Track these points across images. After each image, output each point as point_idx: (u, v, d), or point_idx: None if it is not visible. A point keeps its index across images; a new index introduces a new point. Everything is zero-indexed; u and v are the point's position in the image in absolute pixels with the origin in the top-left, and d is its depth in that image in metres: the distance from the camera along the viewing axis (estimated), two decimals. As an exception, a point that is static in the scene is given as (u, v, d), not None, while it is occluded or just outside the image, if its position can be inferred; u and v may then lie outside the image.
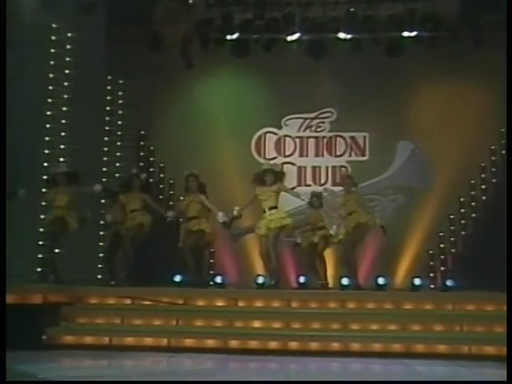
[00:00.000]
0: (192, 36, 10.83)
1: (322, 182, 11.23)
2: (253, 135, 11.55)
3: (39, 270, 8.75)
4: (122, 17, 10.56)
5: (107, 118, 11.08)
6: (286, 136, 11.59)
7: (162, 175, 11.38)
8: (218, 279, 8.28)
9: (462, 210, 10.87)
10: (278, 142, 11.58)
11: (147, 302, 7.66)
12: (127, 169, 10.06)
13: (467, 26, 10.06)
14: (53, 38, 10.04)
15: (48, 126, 9.86)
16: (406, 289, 8.81)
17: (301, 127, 11.59)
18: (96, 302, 7.75)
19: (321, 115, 11.53)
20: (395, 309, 7.52)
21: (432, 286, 10.10)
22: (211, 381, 5.60)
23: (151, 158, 11.46)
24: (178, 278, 8.29)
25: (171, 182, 11.23)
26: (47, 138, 9.81)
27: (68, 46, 10.15)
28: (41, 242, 9.26)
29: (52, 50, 10.01)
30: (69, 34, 10.15)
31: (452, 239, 10.81)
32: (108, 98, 11.11)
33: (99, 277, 9.94)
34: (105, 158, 10.84)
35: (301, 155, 11.53)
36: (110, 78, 11.10)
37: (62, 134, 10.00)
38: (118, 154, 11.05)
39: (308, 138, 11.57)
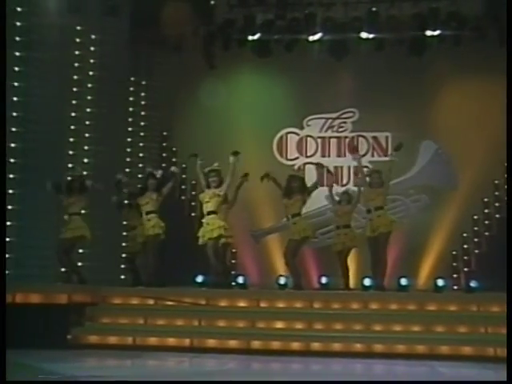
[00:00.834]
0: (214, 37, 10.89)
1: (344, 182, 11.18)
2: (274, 135, 11.55)
3: (63, 270, 8.80)
4: (145, 18, 10.63)
5: (130, 119, 11.15)
6: (308, 136, 11.57)
7: (184, 176, 11.43)
8: (240, 280, 8.29)
9: (486, 211, 10.76)
10: (299, 143, 11.57)
11: (170, 303, 7.69)
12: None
13: (491, 25, 9.96)
14: (77, 40, 10.13)
15: (72, 127, 9.95)
16: (429, 290, 8.74)
17: (323, 127, 11.56)
18: (120, 302, 7.82)
19: (343, 115, 11.49)
20: (419, 310, 7.47)
21: (455, 287, 10.01)
22: (227, 381, 5.60)
23: (174, 159, 11.51)
24: (199, 279, 8.32)
25: (193, 182, 11.28)
26: (71, 140, 9.90)
27: (92, 48, 10.24)
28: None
29: (76, 52, 10.09)
30: (93, 36, 10.24)
31: (476, 240, 10.71)
32: (131, 99, 11.18)
33: (122, 277, 10.01)
34: (128, 159, 10.90)
35: (323, 155, 11.50)
36: (133, 79, 11.17)
37: (86, 135, 10.09)
38: (140, 154, 11.12)
39: (330, 138, 11.53)
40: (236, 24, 10.87)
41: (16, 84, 9.19)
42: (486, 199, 10.75)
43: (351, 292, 8.54)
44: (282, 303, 7.63)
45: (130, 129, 11.14)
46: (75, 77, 10.05)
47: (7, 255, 8.82)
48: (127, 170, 10.74)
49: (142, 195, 8.70)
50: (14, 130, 9.16)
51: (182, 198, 11.31)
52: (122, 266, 9.93)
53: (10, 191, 9.06)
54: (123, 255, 9.91)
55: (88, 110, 10.15)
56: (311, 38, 10.80)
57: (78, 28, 10.13)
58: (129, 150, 11.03)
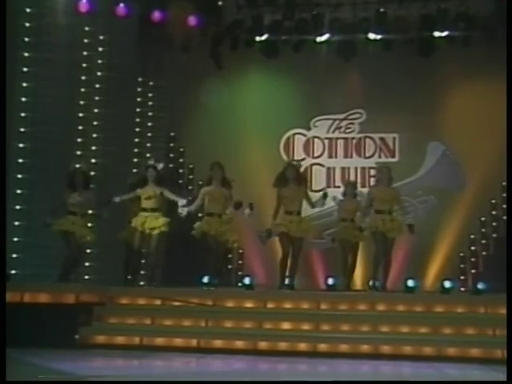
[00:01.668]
0: (222, 37, 10.91)
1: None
2: (282, 136, 11.54)
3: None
4: (153, 19, 10.67)
5: (138, 120, 11.18)
6: (315, 137, 11.57)
7: (191, 176, 11.45)
8: (247, 280, 8.28)
9: (494, 212, 10.72)
10: (306, 144, 11.56)
11: (177, 303, 7.70)
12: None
13: (501, 25, 9.92)
14: (85, 40, 10.17)
15: (80, 127, 9.99)
16: (436, 291, 8.72)
17: (330, 128, 11.55)
18: (127, 302, 7.83)
19: (350, 116, 11.48)
20: (426, 311, 7.45)
21: (463, 289, 9.98)
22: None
23: (181, 160, 11.53)
24: (206, 279, 8.32)
25: (200, 183, 11.27)
26: (79, 140, 9.94)
27: (100, 49, 10.28)
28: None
29: (84, 53, 10.14)
30: (101, 37, 10.28)
31: (483, 242, 10.67)
32: (139, 99, 11.20)
33: (129, 277, 10.01)
34: (135, 160, 10.94)
35: (330, 156, 11.49)
36: (140, 79, 11.20)
37: (94, 135, 10.13)
38: (148, 155, 11.13)
39: (337, 139, 11.52)
40: (244, 25, 10.89)
41: (24, 84, 9.26)
42: (493, 201, 10.71)
43: (358, 293, 8.52)
44: (289, 304, 7.63)
45: (137, 129, 11.17)
46: (83, 77, 10.10)
47: (15, 255, 8.90)
48: (134, 170, 10.78)
49: (142, 187, 8.45)
50: (22, 130, 9.22)
51: (189, 199, 11.31)
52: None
53: (19, 191, 9.12)
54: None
55: (96, 110, 10.19)
56: (319, 39, 10.80)
57: (87, 29, 10.18)
58: (136, 150, 11.06)
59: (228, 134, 10.99)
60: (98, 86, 10.24)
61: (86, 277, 9.35)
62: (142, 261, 9.16)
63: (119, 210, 9.15)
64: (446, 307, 7.46)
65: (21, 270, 8.87)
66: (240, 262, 10.77)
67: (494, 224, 10.69)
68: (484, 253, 10.63)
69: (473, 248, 10.64)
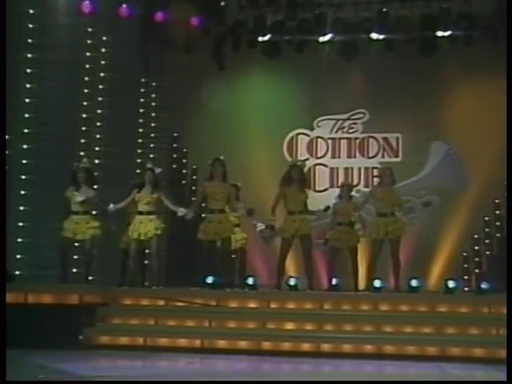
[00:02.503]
0: (224, 38, 10.92)
1: (355, 183, 11.15)
2: (285, 136, 11.56)
3: (75, 271, 8.85)
4: (156, 20, 10.69)
5: (141, 121, 11.19)
6: (318, 137, 11.57)
7: (194, 177, 11.46)
8: (250, 281, 8.29)
9: (497, 212, 10.71)
10: (310, 144, 11.57)
11: (180, 304, 7.71)
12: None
13: (503, 25, 9.91)
14: (88, 41, 10.19)
15: (83, 128, 10.01)
16: (439, 291, 8.71)
17: (333, 128, 11.56)
18: (130, 303, 7.83)
19: (353, 116, 11.48)
20: (429, 311, 7.44)
21: (466, 289, 9.96)
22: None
23: (184, 160, 11.55)
24: (209, 280, 8.31)
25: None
26: (82, 141, 9.96)
27: (103, 50, 10.29)
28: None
29: (87, 54, 10.16)
30: (104, 38, 10.29)
31: (487, 241, 10.67)
32: (142, 100, 11.22)
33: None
34: (138, 160, 10.94)
35: (333, 156, 11.51)
36: (143, 80, 11.21)
37: (97, 136, 10.14)
38: (151, 155, 11.15)
39: (340, 139, 11.53)
40: (246, 25, 10.90)
41: (28, 85, 9.28)
42: (497, 200, 10.70)
43: (361, 293, 8.52)
44: (293, 304, 7.62)
45: (140, 130, 11.17)
46: (86, 78, 10.12)
47: (19, 256, 8.91)
48: (138, 171, 10.79)
49: (139, 190, 8.38)
50: (25, 131, 9.23)
51: (192, 199, 11.32)
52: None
53: (22, 192, 9.13)
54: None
55: (99, 111, 10.20)
56: (321, 39, 10.81)
57: (89, 29, 10.20)
58: (139, 151, 11.07)
59: (231, 135, 11.00)
60: (101, 86, 10.26)
61: (90, 277, 9.34)
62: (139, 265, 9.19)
63: (123, 211, 9.18)
64: (449, 307, 7.45)
65: (24, 271, 8.88)
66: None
67: (497, 223, 10.68)
68: (487, 252, 10.62)
69: (476, 248, 10.63)
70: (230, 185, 8.48)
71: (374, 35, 10.61)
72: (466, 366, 6.52)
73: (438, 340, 7.04)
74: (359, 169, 11.32)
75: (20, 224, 9.05)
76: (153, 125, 11.35)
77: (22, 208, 9.07)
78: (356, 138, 11.43)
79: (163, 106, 11.34)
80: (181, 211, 8.15)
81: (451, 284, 7.99)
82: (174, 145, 11.59)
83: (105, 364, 6.68)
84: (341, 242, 8.97)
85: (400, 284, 8.18)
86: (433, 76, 10.71)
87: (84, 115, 10.05)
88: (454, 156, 11.10)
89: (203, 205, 8.65)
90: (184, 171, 11.47)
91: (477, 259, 10.58)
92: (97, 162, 9.89)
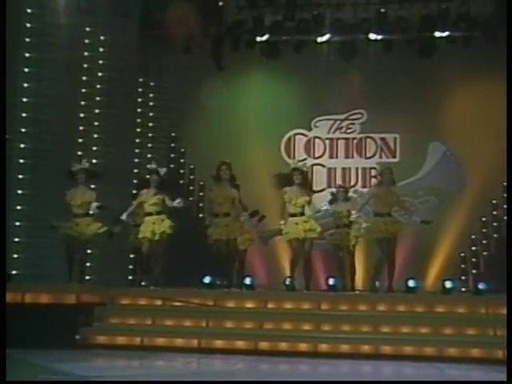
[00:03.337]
0: (223, 38, 10.92)
1: (352, 183, 11.16)
2: (283, 137, 11.56)
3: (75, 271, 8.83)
4: (154, 19, 10.68)
5: (139, 120, 11.21)
6: (316, 137, 11.58)
7: (192, 177, 11.46)
8: (248, 281, 8.28)
9: (495, 213, 10.73)
10: (307, 144, 11.58)
11: (178, 303, 7.71)
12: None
13: (501, 26, 9.92)
14: (86, 41, 10.19)
15: (81, 128, 10.00)
16: (437, 291, 8.72)
17: (331, 129, 11.57)
18: (128, 302, 7.83)
19: (351, 116, 11.49)
20: (427, 312, 7.45)
21: (464, 289, 9.98)
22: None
23: (182, 160, 11.54)
24: (207, 280, 8.31)
25: (201, 183, 11.31)
26: (80, 140, 9.95)
27: (101, 49, 10.30)
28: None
29: (85, 53, 10.16)
30: (102, 37, 10.29)
31: (484, 242, 10.68)
32: (140, 100, 11.23)
33: (130, 278, 10.03)
34: (136, 160, 10.95)
35: (330, 157, 11.51)
36: (141, 80, 11.22)
37: (95, 135, 10.14)
38: (149, 155, 11.15)
39: (338, 139, 11.54)
40: (245, 25, 10.90)
41: (25, 85, 9.27)
42: (494, 201, 10.72)
43: (359, 293, 8.52)
44: (290, 304, 7.63)
45: (138, 130, 11.19)
46: (84, 78, 10.12)
47: (16, 255, 8.90)
48: (135, 170, 10.79)
49: (145, 191, 8.40)
50: (23, 130, 9.23)
51: (189, 199, 11.33)
52: (130, 267, 9.94)
53: (20, 191, 9.12)
54: (131, 256, 9.89)
55: (97, 110, 10.21)
56: (320, 40, 10.82)
57: (88, 29, 10.21)
58: (137, 150, 11.07)
59: (229, 135, 11.00)
60: (99, 86, 10.26)
61: (87, 277, 9.33)
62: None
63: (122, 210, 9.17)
64: (446, 307, 7.46)
65: (22, 271, 8.87)
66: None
67: (494, 224, 10.70)
68: (485, 253, 10.64)
69: (474, 248, 10.65)
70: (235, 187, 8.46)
71: (373, 36, 10.62)
72: (463, 366, 6.53)
73: (436, 340, 7.05)
74: (357, 169, 11.33)
75: (17, 223, 9.04)
76: (151, 125, 11.35)
77: (19, 207, 9.06)
78: (354, 139, 11.44)
79: (161, 105, 11.35)
80: (178, 202, 8.18)
81: (449, 284, 8.00)
82: (172, 145, 11.59)
83: (102, 364, 6.68)
84: (338, 242, 9.00)
85: (394, 284, 8.18)
86: (431, 77, 10.71)
87: (82, 115, 10.06)
88: (452, 157, 11.12)
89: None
90: (182, 171, 11.46)
91: (474, 260, 10.60)
92: (94, 161, 9.87)
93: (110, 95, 10.20)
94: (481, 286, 7.99)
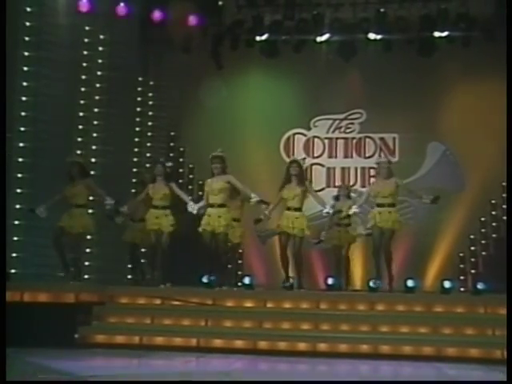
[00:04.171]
0: (222, 37, 10.93)
1: (351, 183, 11.16)
2: (282, 136, 11.57)
3: (72, 269, 8.82)
4: (153, 18, 10.69)
5: (138, 119, 11.20)
6: (315, 137, 11.58)
7: (191, 176, 11.46)
8: (247, 280, 8.28)
9: (494, 213, 10.74)
10: (306, 143, 11.58)
11: (177, 303, 7.70)
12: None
13: (501, 25, 9.93)
14: (86, 40, 10.19)
15: (80, 127, 10.00)
16: (436, 291, 8.72)
17: (330, 128, 11.57)
18: (127, 301, 7.82)
19: (350, 116, 11.49)
20: (425, 311, 7.45)
21: (462, 289, 9.98)
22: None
23: (181, 159, 11.54)
24: (206, 279, 8.31)
25: (200, 182, 11.28)
26: (79, 139, 9.95)
27: (100, 48, 10.30)
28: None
29: (85, 52, 10.16)
30: (101, 36, 10.29)
31: (483, 242, 10.69)
32: (139, 99, 11.22)
33: (129, 277, 10.03)
34: (135, 159, 10.95)
35: (330, 156, 11.52)
36: (140, 79, 11.22)
37: (94, 134, 10.14)
38: (148, 154, 11.15)
39: (337, 139, 11.54)
40: (244, 24, 10.91)
41: (25, 84, 9.26)
42: (493, 201, 10.73)
43: (358, 293, 8.52)
44: (289, 304, 7.62)
45: (137, 129, 11.19)
46: (83, 77, 10.12)
47: (15, 254, 8.90)
48: (134, 169, 10.78)
49: (151, 186, 8.33)
50: (22, 129, 9.22)
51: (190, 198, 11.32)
52: (129, 266, 9.93)
53: (19, 190, 9.12)
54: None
55: (96, 109, 10.21)
56: (319, 39, 10.83)
57: (87, 28, 10.20)
58: (136, 149, 11.07)
59: (228, 134, 10.99)
60: (98, 85, 10.26)
61: (86, 276, 9.34)
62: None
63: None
64: (445, 307, 7.46)
65: (20, 270, 8.87)
66: (240, 261, 10.77)
67: (493, 224, 10.71)
68: (484, 253, 10.64)
69: (472, 248, 10.66)
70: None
71: (372, 35, 10.63)
72: (461, 366, 6.52)
73: (434, 340, 7.05)
74: (356, 169, 11.33)
75: (16, 222, 9.03)
76: (150, 124, 11.36)
77: (18, 206, 9.05)
78: (353, 138, 11.44)
79: (160, 104, 11.35)
80: (191, 206, 8.07)
81: (447, 284, 8.00)
82: (171, 144, 11.59)
83: (100, 363, 6.67)
84: (337, 241, 9.01)
85: (394, 281, 8.15)
86: (430, 76, 10.72)
87: (81, 114, 10.05)
88: (451, 156, 11.12)
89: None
90: (181, 170, 11.46)
91: (473, 260, 10.61)
92: (93, 160, 9.88)
93: (109, 94, 10.20)
94: (480, 286, 7.99)
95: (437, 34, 10.45)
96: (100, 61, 10.29)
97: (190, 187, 11.42)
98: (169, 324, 7.51)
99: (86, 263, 9.48)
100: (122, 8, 10.36)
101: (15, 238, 8.98)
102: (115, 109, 10.13)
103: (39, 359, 6.25)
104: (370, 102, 11.15)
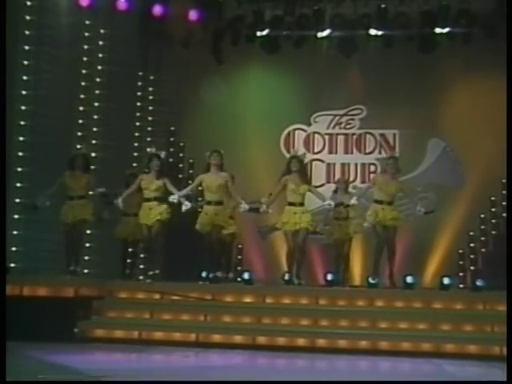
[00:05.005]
0: (223, 32, 10.90)
1: (351, 179, 11.15)
2: (282, 132, 11.54)
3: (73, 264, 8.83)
4: (154, 13, 10.66)
5: (138, 114, 11.18)
6: (315, 133, 11.57)
7: (191, 171, 11.44)
8: (246, 275, 8.29)
9: (493, 209, 10.72)
10: (307, 139, 11.56)
11: (176, 297, 7.71)
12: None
13: (502, 22, 9.91)
14: (86, 34, 10.16)
15: (80, 121, 9.99)
16: (435, 288, 8.72)
17: (330, 124, 11.55)
18: (126, 296, 7.84)
19: (350, 112, 11.47)
20: (424, 308, 7.47)
21: (461, 286, 9.99)
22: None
23: (181, 154, 11.53)
24: (205, 274, 8.32)
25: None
26: (79, 134, 9.93)
27: (101, 43, 10.27)
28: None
29: (85, 47, 10.13)
30: (102, 31, 10.26)
31: (482, 238, 10.68)
32: (139, 93, 11.20)
33: (128, 271, 10.02)
34: (135, 154, 10.93)
35: (330, 152, 11.50)
36: (141, 74, 11.18)
37: (94, 129, 10.13)
38: (148, 149, 11.11)
39: (337, 135, 11.52)
40: (245, 20, 10.87)
41: (25, 78, 9.24)
42: (493, 198, 10.71)
43: (357, 289, 8.53)
44: (288, 299, 7.64)
45: (137, 123, 11.17)
46: (84, 71, 10.09)
47: (15, 248, 8.90)
48: (134, 164, 10.77)
49: (145, 176, 8.30)
50: (22, 123, 9.21)
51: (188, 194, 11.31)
52: (129, 261, 9.93)
53: (18, 184, 9.11)
54: (129, 249, 9.83)
55: (96, 104, 10.18)
56: (320, 35, 10.79)
57: (87, 22, 10.17)
58: (136, 144, 11.06)
59: (228, 129, 10.98)
60: (98, 79, 10.23)
61: (86, 270, 9.35)
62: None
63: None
64: (444, 304, 7.47)
65: (20, 264, 8.87)
66: (239, 256, 10.77)
67: (493, 221, 10.70)
68: (483, 250, 10.63)
69: (472, 245, 10.65)
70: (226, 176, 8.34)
71: (373, 31, 10.60)
72: (460, 362, 6.54)
73: (433, 336, 7.07)
74: (356, 165, 11.32)
75: (16, 216, 9.03)
76: (150, 118, 11.33)
77: (17, 200, 9.05)
78: (353, 134, 11.42)
79: (161, 99, 11.32)
80: (186, 204, 8.00)
81: (446, 281, 8.01)
82: (171, 139, 11.55)
83: (100, 357, 6.68)
84: (338, 235, 9.01)
85: (395, 277, 8.14)
86: (431, 73, 10.70)
87: (81, 108, 10.03)
88: (451, 153, 11.11)
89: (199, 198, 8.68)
90: (181, 165, 11.45)
91: (472, 256, 10.60)
92: (94, 155, 9.87)
93: (109, 89, 10.17)
94: (479, 283, 8.00)
95: (438, 30, 10.43)
96: (100, 55, 10.26)
97: (189, 182, 11.39)
98: (168, 319, 7.53)
99: (86, 258, 9.47)
100: (122, 3, 10.33)
101: (15, 232, 8.97)
102: (115, 103, 10.11)
103: (39, 353, 6.26)
104: (371, 98, 11.13)
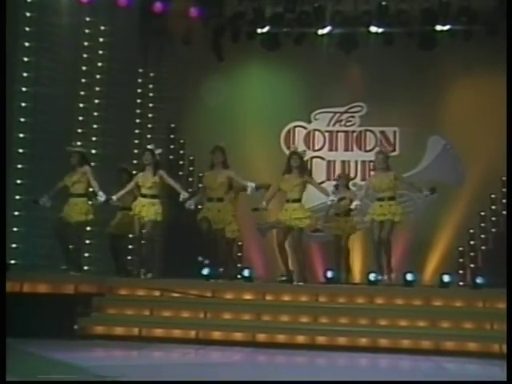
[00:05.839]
0: (223, 29, 10.89)
1: (352, 176, 11.14)
2: (282, 129, 11.55)
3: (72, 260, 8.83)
4: (154, 10, 10.65)
5: (138, 111, 11.18)
6: (316, 130, 11.57)
7: (191, 168, 11.45)
8: (246, 272, 8.29)
9: (493, 207, 10.74)
10: (307, 136, 11.57)
11: (176, 295, 7.72)
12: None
13: (502, 20, 9.90)
14: (86, 31, 10.16)
15: (80, 118, 9.98)
16: (434, 285, 8.72)
17: (330, 121, 11.55)
18: (126, 293, 7.83)
19: (351, 109, 11.47)
20: (424, 305, 7.46)
21: (461, 283, 9.99)
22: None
23: (181, 151, 11.53)
24: (205, 271, 8.32)
25: (201, 175, 11.26)
26: (80, 131, 9.94)
27: (101, 39, 10.26)
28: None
29: (85, 43, 10.13)
30: (102, 28, 10.26)
31: (482, 236, 10.69)
32: (139, 90, 11.20)
33: (129, 268, 10.02)
34: (135, 151, 10.92)
35: (330, 149, 11.51)
36: (141, 70, 11.18)
37: (94, 126, 10.12)
38: (148, 146, 11.10)
39: (337, 132, 11.53)
40: (245, 17, 10.87)
41: (25, 74, 9.24)
42: (493, 195, 10.73)
43: (357, 286, 8.53)
44: (288, 296, 7.64)
45: (137, 120, 11.17)
46: (84, 68, 10.09)
47: (15, 245, 8.91)
48: (134, 161, 10.76)
49: (141, 174, 8.23)
50: (22, 120, 9.21)
51: (188, 191, 11.30)
52: (129, 258, 9.93)
53: (18, 181, 9.11)
54: (129, 246, 9.82)
55: (96, 101, 10.18)
56: (320, 32, 10.80)
57: (88, 19, 10.16)
58: (136, 141, 11.05)
59: (228, 126, 10.97)
60: (98, 76, 10.23)
61: (86, 267, 9.35)
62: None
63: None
64: (444, 301, 7.47)
65: (20, 260, 8.88)
66: (239, 254, 10.78)
67: (493, 219, 10.71)
68: (483, 247, 10.65)
69: (472, 242, 10.66)
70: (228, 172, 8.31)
71: (374, 29, 10.61)
72: (460, 359, 6.54)
73: (433, 334, 7.07)
74: (356, 162, 11.32)
75: (16, 213, 9.04)
76: (150, 115, 11.33)
77: (18, 197, 9.05)
78: (353, 132, 11.43)
79: (161, 96, 11.32)
80: (183, 195, 7.97)
81: (446, 278, 8.01)
82: (172, 136, 11.56)
83: (100, 354, 6.68)
84: (338, 231, 9.01)
85: (393, 274, 8.13)
86: (432, 70, 10.70)
87: (81, 105, 10.03)
88: (451, 151, 11.11)
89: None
90: (181, 162, 11.45)
91: (472, 254, 10.61)
92: (93, 151, 9.87)
93: (109, 86, 10.17)
94: (478, 280, 8.00)
95: (438, 27, 10.43)
96: (100, 52, 10.26)
97: (190, 179, 11.41)
98: (168, 316, 7.53)
99: (86, 254, 9.48)
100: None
101: (15, 229, 8.98)
102: (115, 100, 10.11)
103: (38, 350, 6.26)
104: (371, 96, 11.13)
